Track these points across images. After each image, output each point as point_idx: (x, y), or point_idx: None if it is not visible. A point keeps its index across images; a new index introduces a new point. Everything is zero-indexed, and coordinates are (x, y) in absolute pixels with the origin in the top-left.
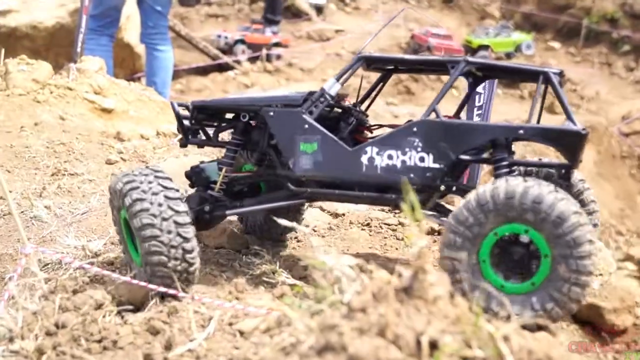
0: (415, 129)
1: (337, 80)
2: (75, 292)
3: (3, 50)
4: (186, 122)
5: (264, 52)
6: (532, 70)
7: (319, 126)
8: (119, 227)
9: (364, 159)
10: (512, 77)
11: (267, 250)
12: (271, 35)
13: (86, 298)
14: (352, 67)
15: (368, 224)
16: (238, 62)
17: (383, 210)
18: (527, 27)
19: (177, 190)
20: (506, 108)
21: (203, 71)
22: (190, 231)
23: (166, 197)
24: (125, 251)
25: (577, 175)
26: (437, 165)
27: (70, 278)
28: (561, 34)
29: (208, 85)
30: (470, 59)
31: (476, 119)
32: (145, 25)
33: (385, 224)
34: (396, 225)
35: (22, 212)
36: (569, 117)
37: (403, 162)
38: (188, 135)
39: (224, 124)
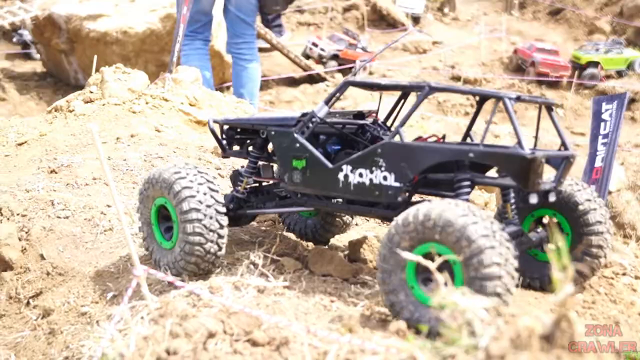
0: (379, 150)
1: (326, 103)
2: (184, 317)
3: (96, 57)
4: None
5: (358, 64)
6: (490, 94)
7: (308, 145)
8: (147, 217)
9: (341, 176)
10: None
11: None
12: (361, 52)
13: (198, 325)
14: (339, 91)
15: None
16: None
17: None
18: None
19: (216, 184)
20: None
21: (293, 82)
22: (225, 220)
23: (210, 188)
24: (150, 239)
25: (584, 194)
26: (397, 184)
27: (179, 302)
28: None
29: (298, 96)
30: (433, 84)
31: (601, 148)
32: (231, 35)
33: None
34: None
35: (122, 228)
36: (518, 141)
37: (370, 180)
38: (225, 148)
39: (249, 139)
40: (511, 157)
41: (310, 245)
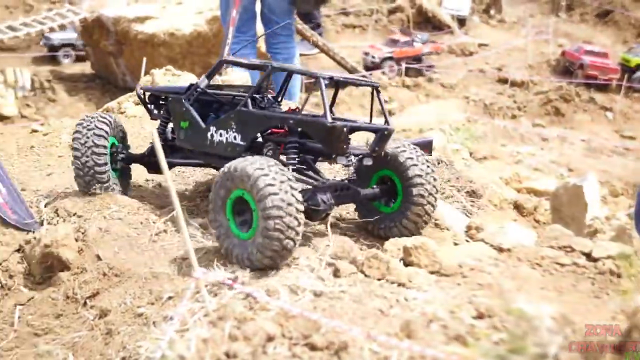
0: (232, 116)
1: (207, 77)
2: (242, 320)
3: (145, 60)
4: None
5: (403, 66)
6: (311, 74)
7: (191, 109)
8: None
9: (209, 135)
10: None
11: (434, 283)
12: (421, 45)
13: (257, 328)
14: (216, 68)
15: (539, 263)
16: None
17: (553, 247)
18: None
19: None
20: None
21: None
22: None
23: (121, 130)
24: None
25: (406, 154)
26: (242, 143)
27: (236, 304)
28: None
29: (345, 99)
30: (275, 64)
31: None
32: (267, 35)
33: (559, 263)
34: (570, 266)
35: (176, 229)
36: (324, 112)
37: (226, 139)
38: (151, 111)
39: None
40: (316, 125)
41: (365, 247)
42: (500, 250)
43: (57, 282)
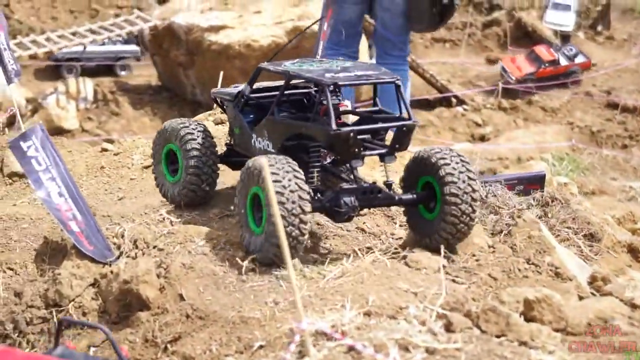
0: (264, 123)
1: (249, 84)
2: None
3: (222, 73)
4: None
5: (500, 86)
6: (313, 79)
7: (240, 115)
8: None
9: (252, 141)
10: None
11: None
12: (567, 63)
13: None
14: (254, 76)
15: None
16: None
17: None
18: None
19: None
20: None
21: (428, 105)
22: (217, 158)
23: (205, 133)
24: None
25: (447, 168)
26: (273, 150)
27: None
28: None
29: (433, 121)
30: (291, 71)
31: None
32: (377, 54)
33: None
34: None
35: (265, 269)
36: (329, 120)
37: (263, 146)
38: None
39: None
40: (322, 132)
41: (478, 297)
42: (633, 306)
43: (136, 322)
